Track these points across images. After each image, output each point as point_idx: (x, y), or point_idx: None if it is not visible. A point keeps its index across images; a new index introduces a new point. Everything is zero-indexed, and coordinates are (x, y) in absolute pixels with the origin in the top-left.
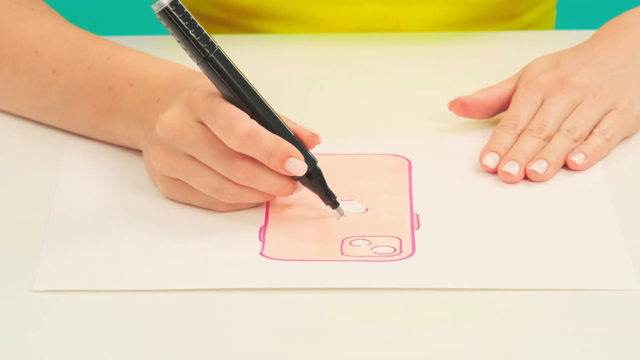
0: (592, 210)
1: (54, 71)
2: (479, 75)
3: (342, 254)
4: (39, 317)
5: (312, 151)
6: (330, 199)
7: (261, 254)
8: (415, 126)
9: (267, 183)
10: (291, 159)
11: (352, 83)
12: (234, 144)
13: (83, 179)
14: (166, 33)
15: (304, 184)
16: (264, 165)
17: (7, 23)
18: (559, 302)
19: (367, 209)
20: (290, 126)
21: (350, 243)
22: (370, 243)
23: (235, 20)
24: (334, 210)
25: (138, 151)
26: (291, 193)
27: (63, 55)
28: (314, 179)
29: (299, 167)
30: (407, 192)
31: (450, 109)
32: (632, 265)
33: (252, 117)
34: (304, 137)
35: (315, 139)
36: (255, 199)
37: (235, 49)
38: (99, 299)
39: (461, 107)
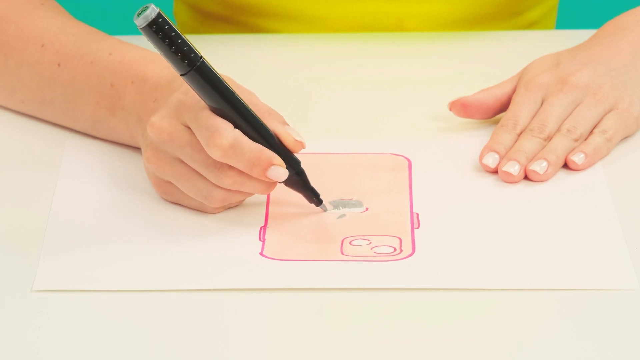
0: (592, 210)
1: (58, 64)
2: (480, 75)
3: (342, 253)
4: (39, 317)
5: (312, 150)
6: (314, 197)
7: (261, 254)
8: (415, 126)
9: (253, 187)
10: (272, 167)
11: (353, 82)
12: (216, 155)
13: (83, 178)
14: None
15: (287, 184)
16: None
17: (15, 16)
18: (559, 301)
19: (367, 208)
20: (277, 129)
21: (350, 243)
22: (370, 243)
23: (238, 17)
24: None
25: (138, 151)
26: (273, 189)
27: (68, 49)
28: (297, 179)
29: (280, 174)
30: (407, 191)
31: (450, 109)
32: (632, 265)
33: (235, 126)
34: (288, 143)
35: (299, 146)
36: (241, 198)
37: (237, 48)
38: (99, 299)
39: (461, 107)
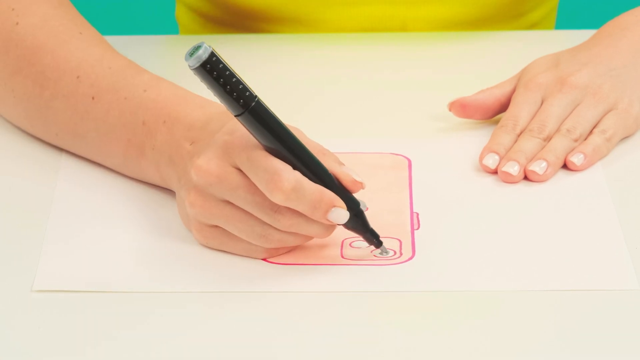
0: (592, 210)
1: (92, 98)
2: (479, 75)
3: (342, 256)
4: (39, 317)
5: None
6: (374, 239)
7: (263, 258)
8: (415, 126)
9: (312, 229)
10: (333, 209)
11: (354, 82)
12: (278, 199)
13: (83, 178)
14: (167, 33)
15: (345, 226)
16: None
17: (52, 45)
18: (559, 302)
19: (367, 208)
20: (335, 169)
21: (350, 244)
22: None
23: (241, 23)
24: (378, 250)
25: None
26: (332, 232)
27: (103, 82)
28: (357, 220)
29: (341, 216)
30: (407, 190)
31: (450, 110)
32: (632, 265)
33: (293, 166)
34: (347, 183)
35: (358, 186)
36: (298, 242)
37: (239, 49)
38: (99, 299)
39: (461, 108)
